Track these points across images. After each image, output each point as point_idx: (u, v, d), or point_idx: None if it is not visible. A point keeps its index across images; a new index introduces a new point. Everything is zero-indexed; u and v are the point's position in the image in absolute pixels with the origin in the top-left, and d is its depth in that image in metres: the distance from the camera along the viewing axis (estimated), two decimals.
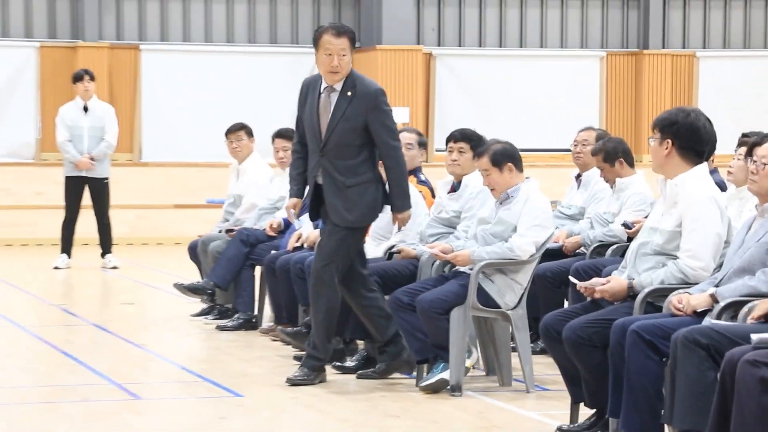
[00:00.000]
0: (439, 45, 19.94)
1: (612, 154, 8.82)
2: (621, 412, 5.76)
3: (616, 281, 6.12)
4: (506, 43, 20.16)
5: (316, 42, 7.67)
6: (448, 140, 8.30)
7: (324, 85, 7.69)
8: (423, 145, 9.14)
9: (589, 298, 6.29)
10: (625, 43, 20.52)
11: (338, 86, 7.65)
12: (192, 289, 10.25)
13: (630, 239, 8.15)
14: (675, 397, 5.42)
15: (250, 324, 10.07)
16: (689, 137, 6.07)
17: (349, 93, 7.65)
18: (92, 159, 14.54)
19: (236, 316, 10.14)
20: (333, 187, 7.66)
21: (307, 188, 7.80)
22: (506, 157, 7.53)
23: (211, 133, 16.49)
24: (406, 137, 9.05)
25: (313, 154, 7.72)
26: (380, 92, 7.75)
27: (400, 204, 7.75)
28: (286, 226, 10.05)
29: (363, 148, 7.67)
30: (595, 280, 6.29)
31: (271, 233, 10.11)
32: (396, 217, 7.82)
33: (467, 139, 8.20)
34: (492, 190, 7.58)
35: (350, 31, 7.68)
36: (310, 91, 7.74)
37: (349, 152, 7.65)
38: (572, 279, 6.54)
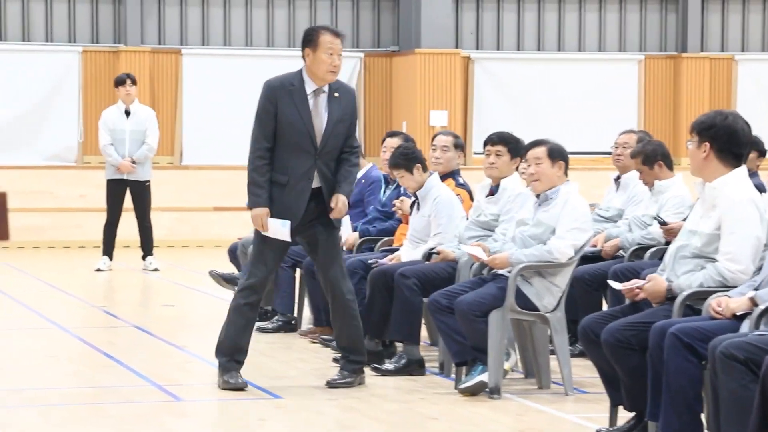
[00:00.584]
0: (477, 48, 19.95)
1: (651, 156, 8.82)
2: (660, 415, 5.76)
3: (655, 282, 6.13)
4: (544, 47, 20.15)
5: (310, 41, 7.62)
6: (485, 143, 8.32)
7: (312, 87, 7.65)
8: (460, 147, 9.16)
9: (628, 301, 6.30)
10: (663, 47, 20.46)
11: (325, 88, 7.66)
12: (227, 279, 10.32)
13: (667, 242, 8.15)
14: (719, 409, 5.40)
15: (290, 326, 10.10)
16: (727, 140, 6.06)
17: (336, 94, 7.70)
18: (133, 162, 14.65)
19: (276, 318, 10.17)
20: (331, 190, 7.71)
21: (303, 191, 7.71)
22: (561, 154, 7.57)
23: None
24: (442, 140, 9.09)
25: (304, 158, 7.61)
26: (355, 92, 7.87)
27: (349, 189, 7.80)
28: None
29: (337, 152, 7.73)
30: (634, 281, 6.30)
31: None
32: (340, 199, 7.71)
33: (504, 142, 8.22)
34: (536, 180, 7.53)
35: (344, 35, 7.77)
36: (286, 93, 7.62)
37: (337, 154, 7.72)
38: (612, 283, 6.54)
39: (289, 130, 7.61)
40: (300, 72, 7.72)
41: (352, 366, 7.81)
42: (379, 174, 10.14)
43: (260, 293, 7.81)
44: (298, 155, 7.62)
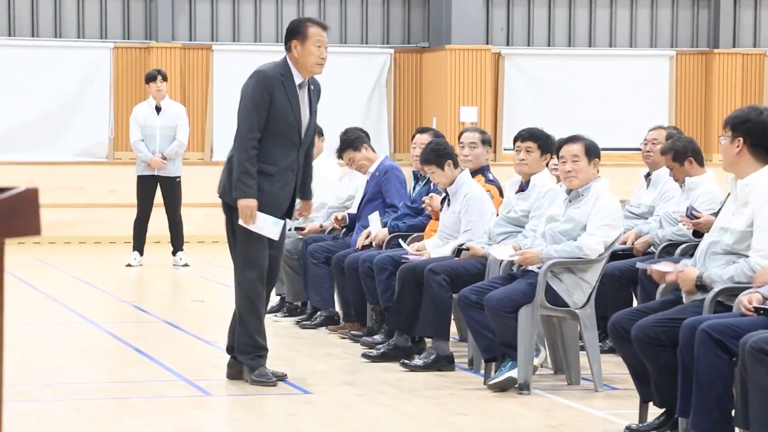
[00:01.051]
0: (508, 44, 19.92)
1: (681, 153, 8.78)
2: (690, 412, 5.74)
3: (687, 269, 6.10)
4: (575, 43, 20.10)
5: (298, 33, 7.59)
6: (515, 139, 8.31)
7: (300, 79, 7.64)
8: (487, 143, 9.14)
9: (660, 288, 6.27)
10: (695, 42, 20.38)
11: (305, 80, 7.68)
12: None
13: (695, 234, 8.11)
14: (749, 404, 5.38)
15: (332, 321, 10.07)
16: (761, 135, 6.03)
17: (312, 87, 7.74)
18: (164, 158, 14.69)
19: (318, 314, 10.14)
20: (307, 183, 7.82)
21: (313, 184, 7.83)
22: (596, 152, 7.55)
23: None
24: (469, 137, 9.08)
25: (290, 150, 7.60)
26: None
27: (311, 192, 7.89)
28: (352, 223, 10.10)
29: None
30: (664, 264, 6.27)
31: (336, 225, 10.19)
32: (308, 206, 7.85)
33: (535, 138, 8.20)
34: (573, 177, 7.49)
35: (329, 27, 7.81)
36: (279, 83, 7.56)
37: (307, 147, 7.77)
38: (641, 265, 6.51)
39: (280, 120, 7.56)
40: (286, 62, 7.65)
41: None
42: (393, 163, 10.11)
43: (263, 281, 7.74)
44: (285, 146, 7.59)
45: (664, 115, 19.65)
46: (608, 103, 19.76)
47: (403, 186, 10.03)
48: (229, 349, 7.87)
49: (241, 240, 7.64)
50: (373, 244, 9.53)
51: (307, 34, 7.62)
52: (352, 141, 10.02)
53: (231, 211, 7.66)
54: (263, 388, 7.65)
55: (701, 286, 6.03)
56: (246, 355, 7.75)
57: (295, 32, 7.65)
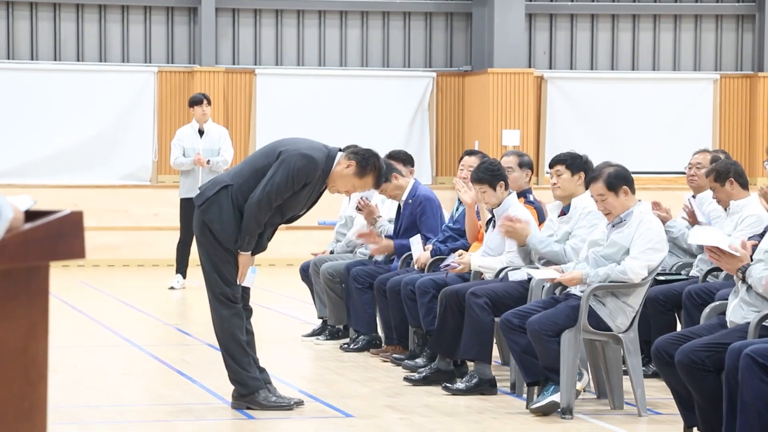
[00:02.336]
0: (550, 68, 19.91)
1: (723, 173, 8.73)
2: None
3: (744, 254, 6.08)
4: (618, 66, 20.05)
5: (368, 173, 7.65)
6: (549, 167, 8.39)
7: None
8: (526, 165, 9.13)
9: (705, 312, 6.23)
10: (739, 66, 20.29)
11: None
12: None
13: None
14: None
15: (374, 345, 10.06)
16: None
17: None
18: (208, 162, 14.72)
19: (360, 337, 10.15)
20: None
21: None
22: (621, 180, 7.49)
23: None
24: (506, 161, 9.08)
25: (281, 219, 7.74)
26: None
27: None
28: (398, 252, 10.07)
29: None
30: (722, 239, 6.23)
31: (359, 240, 10.24)
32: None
33: (560, 161, 8.20)
34: (608, 214, 7.51)
35: None
36: (316, 179, 7.65)
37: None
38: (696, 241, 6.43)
39: (292, 201, 7.59)
40: (331, 163, 7.69)
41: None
42: (425, 193, 10.04)
43: (242, 318, 7.78)
44: (280, 216, 7.64)
45: (708, 138, 19.56)
46: (651, 127, 19.70)
47: (437, 215, 10.00)
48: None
49: (218, 278, 7.64)
50: (416, 267, 9.52)
51: (366, 181, 7.65)
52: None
53: (212, 238, 7.57)
54: (305, 411, 7.64)
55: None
56: (245, 387, 7.66)
57: (368, 168, 7.63)
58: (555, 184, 8.20)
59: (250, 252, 7.58)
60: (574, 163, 8.16)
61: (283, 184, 7.44)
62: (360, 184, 7.67)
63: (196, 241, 7.77)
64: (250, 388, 7.61)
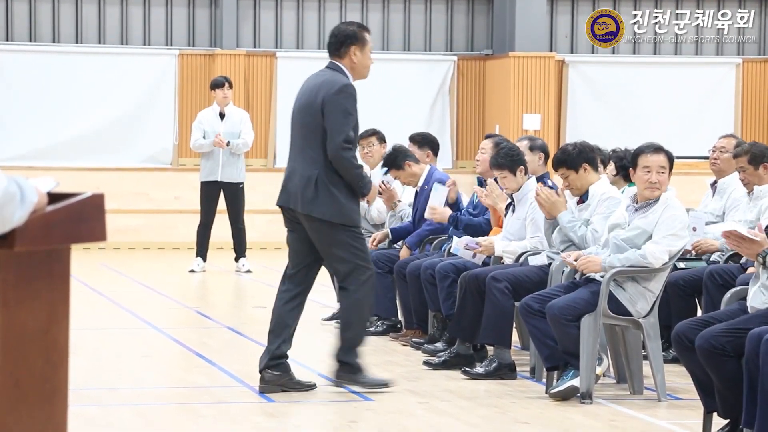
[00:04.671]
0: (572, 52, 19.84)
1: (759, 156, 8.67)
2: (756, 423, 5.68)
3: (764, 238, 6.04)
4: (640, 50, 19.98)
5: (359, 39, 7.68)
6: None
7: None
8: (538, 148, 9.09)
9: (725, 297, 6.21)
10: (762, 50, 20.18)
11: None
12: None
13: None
14: None
15: (395, 329, 10.08)
16: None
17: None
18: (228, 144, 14.71)
19: (379, 322, 10.16)
20: None
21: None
22: (672, 164, 7.52)
23: None
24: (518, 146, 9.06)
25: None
26: None
27: None
28: (398, 237, 10.08)
29: None
30: (734, 227, 6.21)
31: (373, 247, 10.18)
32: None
33: (562, 163, 8.08)
34: (657, 190, 7.43)
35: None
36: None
37: None
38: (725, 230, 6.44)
39: (356, 130, 7.76)
40: (342, 70, 7.72)
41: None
42: (443, 175, 10.01)
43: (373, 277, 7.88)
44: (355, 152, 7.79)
45: (730, 123, 19.48)
46: (673, 112, 19.63)
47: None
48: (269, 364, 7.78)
49: (350, 246, 7.70)
50: (429, 217, 9.51)
51: (366, 40, 7.72)
52: (394, 160, 9.98)
53: (327, 226, 7.66)
54: (325, 395, 7.65)
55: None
56: (353, 357, 7.75)
57: (355, 38, 7.70)
58: (567, 186, 8.14)
59: (371, 188, 7.74)
60: (573, 159, 8.09)
61: (351, 119, 7.60)
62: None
63: (329, 239, 7.70)
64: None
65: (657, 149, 7.52)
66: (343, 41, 7.72)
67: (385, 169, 10.20)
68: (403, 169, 9.91)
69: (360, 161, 7.75)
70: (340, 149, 7.58)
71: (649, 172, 7.41)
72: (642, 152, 7.50)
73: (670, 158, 7.53)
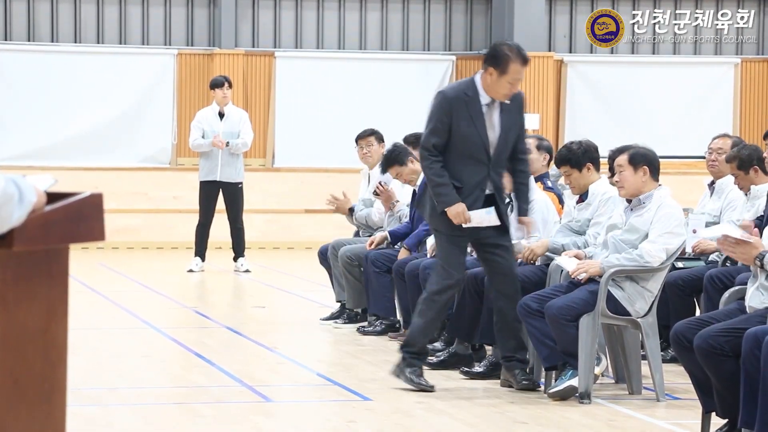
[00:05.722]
0: (570, 51, 19.85)
1: (747, 161, 8.71)
2: (756, 423, 5.68)
3: (758, 240, 6.04)
4: (638, 50, 19.99)
5: (500, 64, 7.56)
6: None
7: (487, 99, 7.63)
8: (544, 149, 9.10)
9: (724, 297, 6.21)
10: (761, 50, 20.19)
11: (493, 100, 7.67)
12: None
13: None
14: None
15: (394, 329, 10.09)
16: None
17: (508, 101, 7.69)
18: (227, 144, 14.71)
19: (378, 321, 10.17)
20: (501, 197, 7.79)
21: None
22: (644, 160, 7.49)
23: (343, 138, 16.69)
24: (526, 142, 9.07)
25: (479, 168, 7.66)
26: (523, 96, 7.87)
27: (526, 210, 7.88)
28: (397, 240, 10.09)
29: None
30: (728, 229, 6.20)
31: (370, 248, 10.19)
32: (523, 221, 7.88)
33: (563, 160, 8.11)
34: (620, 188, 7.51)
35: (528, 59, 7.74)
36: (462, 104, 7.60)
37: (503, 163, 7.77)
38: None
39: (464, 142, 7.62)
40: (473, 81, 7.70)
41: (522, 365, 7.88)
42: None
43: (455, 291, 7.96)
44: (472, 165, 7.65)
45: (729, 123, 19.50)
46: (671, 111, 19.64)
47: None
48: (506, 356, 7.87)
49: (439, 249, 7.87)
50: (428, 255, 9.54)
51: (507, 70, 7.58)
52: (398, 156, 9.99)
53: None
54: (324, 394, 7.65)
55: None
56: (408, 349, 7.80)
57: (497, 61, 7.60)
58: (569, 182, 8.18)
59: (451, 203, 7.61)
60: (576, 158, 8.11)
61: (427, 129, 7.67)
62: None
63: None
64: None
65: (620, 150, 7.62)
66: (489, 58, 7.66)
67: (383, 169, 10.22)
68: (405, 165, 9.92)
69: (440, 172, 7.63)
70: (421, 158, 7.80)
71: (618, 173, 7.54)
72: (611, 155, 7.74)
73: (634, 155, 7.50)
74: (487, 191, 7.72)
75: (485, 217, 7.65)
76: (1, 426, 3.04)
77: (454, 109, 7.61)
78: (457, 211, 7.61)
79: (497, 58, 7.58)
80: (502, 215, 7.75)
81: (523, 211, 7.85)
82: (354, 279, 10.44)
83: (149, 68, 18.83)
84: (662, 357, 7.77)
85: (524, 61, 7.60)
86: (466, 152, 7.62)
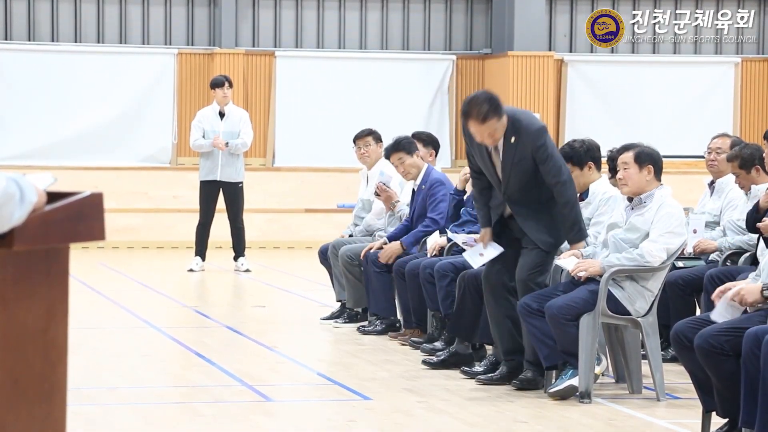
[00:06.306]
0: (570, 51, 19.85)
1: (748, 160, 8.70)
2: (756, 423, 5.68)
3: (750, 286, 6.05)
4: (639, 50, 19.99)
5: (463, 126, 7.79)
6: None
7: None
8: None
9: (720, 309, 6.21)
10: (761, 49, 20.19)
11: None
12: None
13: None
14: None
15: (394, 328, 10.09)
16: None
17: (513, 139, 7.68)
18: (227, 145, 14.71)
19: (378, 321, 10.16)
20: (524, 216, 7.83)
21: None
22: (649, 159, 7.51)
23: (343, 138, 16.66)
24: None
25: (498, 193, 7.89)
26: (542, 130, 7.77)
27: (573, 236, 7.77)
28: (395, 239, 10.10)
29: (544, 186, 7.73)
30: (724, 286, 6.23)
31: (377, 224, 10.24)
32: (578, 249, 7.80)
33: (567, 159, 8.12)
34: (624, 185, 7.51)
35: (491, 113, 7.60)
36: (474, 145, 7.82)
37: (532, 195, 7.75)
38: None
39: (485, 171, 7.91)
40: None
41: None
42: (438, 177, 10.03)
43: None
44: (495, 191, 7.91)
45: (729, 122, 19.49)
46: (672, 111, 19.63)
47: (447, 199, 9.99)
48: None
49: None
50: (434, 253, 9.52)
51: (470, 130, 7.69)
52: (407, 144, 10.00)
53: None
54: (324, 393, 7.65)
55: None
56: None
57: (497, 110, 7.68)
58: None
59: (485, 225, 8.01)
60: (579, 156, 8.11)
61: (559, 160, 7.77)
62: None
63: None
64: None
65: (625, 147, 7.62)
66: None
67: (383, 169, 10.21)
68: (411, 155, 9.91)
69: (476, 195, 8.06)
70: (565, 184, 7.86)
71: (619, 170, 7.55)
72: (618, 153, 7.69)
73: (640, 154, 7.51)
74: (505, 214, 7.91)
75: (491, 252, 7.91)
76: (1, 426, 3.04)
77: (474, 148, 7.88)
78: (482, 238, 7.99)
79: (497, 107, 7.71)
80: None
81: (569, 240, 7.81)
82: (354, 278, 10.44)
83: (149, 68, 18.83)
84: (662, 356, 7.77)
85: (466, 118, 7.68)
86: (490, 180, 7.90)
